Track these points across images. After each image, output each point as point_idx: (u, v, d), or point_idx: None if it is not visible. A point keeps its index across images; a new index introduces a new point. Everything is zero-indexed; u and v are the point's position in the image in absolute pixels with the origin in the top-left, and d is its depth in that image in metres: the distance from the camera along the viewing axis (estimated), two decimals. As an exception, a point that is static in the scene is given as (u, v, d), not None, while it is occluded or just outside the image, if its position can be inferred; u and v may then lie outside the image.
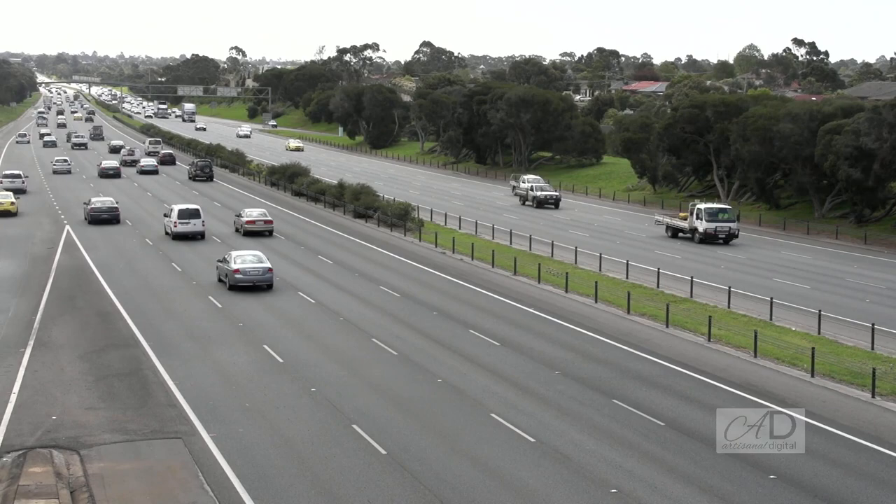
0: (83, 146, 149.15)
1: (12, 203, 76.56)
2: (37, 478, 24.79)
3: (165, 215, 67.43)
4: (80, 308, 44.60)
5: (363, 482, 24.71)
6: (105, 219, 71.34)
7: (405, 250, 61.90)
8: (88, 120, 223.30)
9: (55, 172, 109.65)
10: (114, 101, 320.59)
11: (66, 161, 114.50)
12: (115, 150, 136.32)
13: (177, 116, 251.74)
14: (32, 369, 34.63)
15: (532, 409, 30.62)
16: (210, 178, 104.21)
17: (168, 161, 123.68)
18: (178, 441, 27.63)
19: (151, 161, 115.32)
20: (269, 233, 66.14)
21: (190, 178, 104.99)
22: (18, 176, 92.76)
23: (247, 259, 48.86)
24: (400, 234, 68.06)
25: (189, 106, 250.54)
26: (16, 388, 32.41)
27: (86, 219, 72.31)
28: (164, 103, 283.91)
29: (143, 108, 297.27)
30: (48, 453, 26.60)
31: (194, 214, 64.57)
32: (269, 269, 48.59)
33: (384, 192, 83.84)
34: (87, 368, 34.83)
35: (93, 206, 72.34)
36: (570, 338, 40.22)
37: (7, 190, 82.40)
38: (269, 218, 67.47)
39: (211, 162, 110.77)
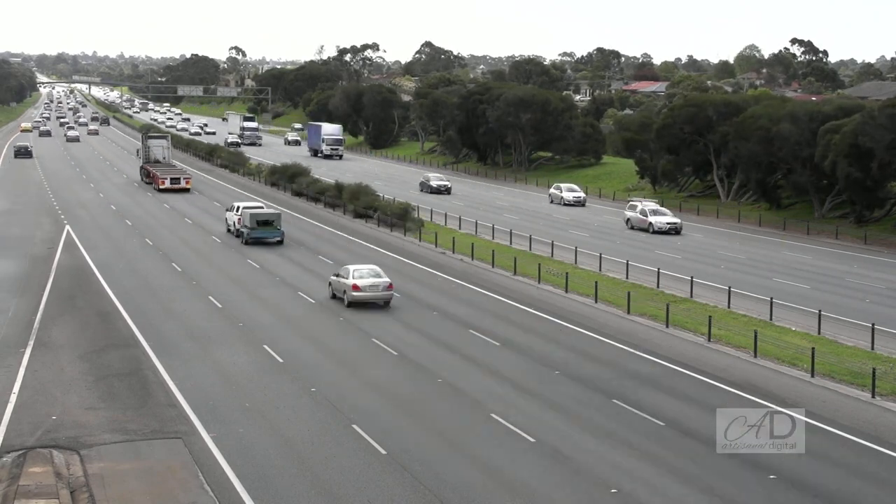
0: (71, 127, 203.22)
1: (31, 127, 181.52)
2: (37, 478, 24.79)
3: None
4: (80, 308, 44.59)
5: (363, 482, 24.71)
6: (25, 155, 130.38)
7: (405, 250, 61.90)
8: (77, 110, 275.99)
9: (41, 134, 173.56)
10: (136, 108, 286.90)
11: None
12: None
13: (290, 143, 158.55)
14: (32, 369, 34.63)
15: (532, 409, 30.63)
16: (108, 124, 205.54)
17: None
18: (178, 441, 27.63)
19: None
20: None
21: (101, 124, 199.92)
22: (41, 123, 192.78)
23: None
24: (400, 234, 68.04)
25: (331, 129, 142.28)
26: (16, 388, 32.41)
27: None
28: (251, 118, 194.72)
29: (201, 126, 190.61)
30: (48, 453, 26.61)
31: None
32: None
33: (384, 192, 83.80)
34: (87, 368, 34.83)
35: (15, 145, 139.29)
36: (570, 338, 40.22)
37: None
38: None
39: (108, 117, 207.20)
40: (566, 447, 27.33)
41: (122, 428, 28.71)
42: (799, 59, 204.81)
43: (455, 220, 73.10)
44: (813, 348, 35.50)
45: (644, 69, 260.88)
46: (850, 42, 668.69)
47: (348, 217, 76.79)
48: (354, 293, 44.16)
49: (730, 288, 47.03)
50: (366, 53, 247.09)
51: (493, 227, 69.28)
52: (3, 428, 28.74)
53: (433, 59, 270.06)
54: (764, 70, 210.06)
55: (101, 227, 70.04)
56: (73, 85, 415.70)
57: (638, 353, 37.79)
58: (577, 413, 30.41)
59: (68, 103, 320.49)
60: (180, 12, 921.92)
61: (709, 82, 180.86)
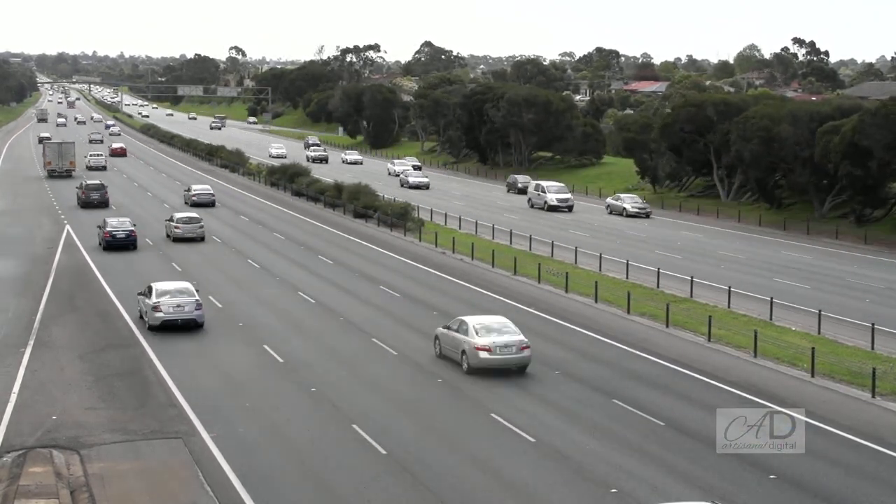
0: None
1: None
2: (37, 478, 24.80)
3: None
4: (80, 308, 44.59)
5: (363, 482, 24.71)
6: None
7: (405, 250, 61.89)
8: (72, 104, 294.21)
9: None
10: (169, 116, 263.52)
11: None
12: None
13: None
14: (32, 369, 34.64)
15: (532, 409, 30.63)
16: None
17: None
18: (178, 441, 27.64)
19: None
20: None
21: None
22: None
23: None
24: (400, 234, 68.05)
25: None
26: (16, 388, 32.42)
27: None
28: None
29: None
30: (48, 453, 26.62)
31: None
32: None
33: (384, 191, 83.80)
34: (87, 368, 34.84)
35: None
36: (570, 338, 40.22)
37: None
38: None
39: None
40: (566, 447, 27.33)
41: (122, 428, 28.72)
42: (799, 59, 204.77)
43: (455, 219, 73.11)
44: (813, 348, 35.49)
45: (644, 69, 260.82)
46: (850, 42, 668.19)
47: (348, 217, 76.78)
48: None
49: (730, 288, 47.02)
50: (366, 54, 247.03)
51: (493, 227, 69.28)
52: (3, 428, 28.75)
53: (433, 59, 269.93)
54: (764, 70, 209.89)
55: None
56: (78, 86, 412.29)
57: (638, 353, 37.78)
58: (577, 413, 30.41)
59: (66, 98, 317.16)
60: (180, 12, 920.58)
61: (708, 82, 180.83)
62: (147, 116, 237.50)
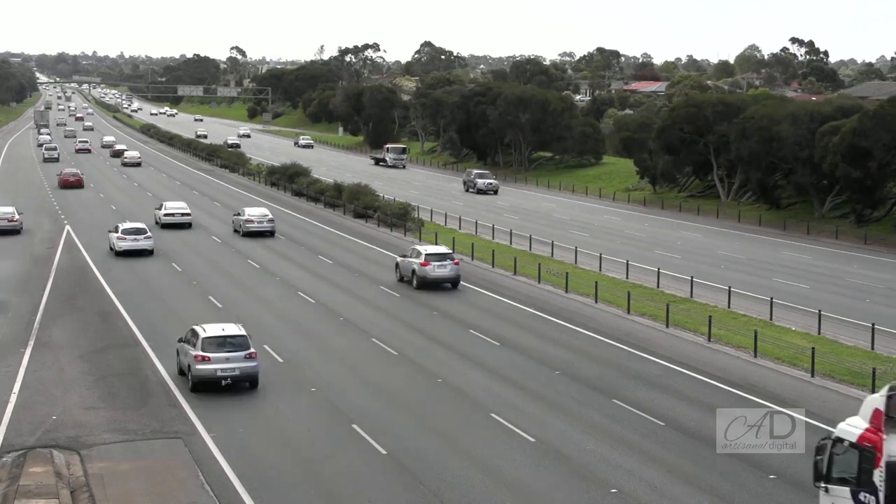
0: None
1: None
2: (37, 478, 24.79)
3: None
4: (80, 308, 44.59)
5: (363, 482, 24.72)
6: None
7: (405, 250, 61.81)
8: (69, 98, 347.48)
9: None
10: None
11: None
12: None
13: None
14: (32, 369, 34.64)
15: (532, 409, 30.63)
16: None
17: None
18: (178, 441, 27.64)
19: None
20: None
21: None
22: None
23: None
24: (400, 234, 68.04)
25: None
26: (16, 388, 32.42)
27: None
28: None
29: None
30: (48, 453, 26.61)
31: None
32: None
33: (384, 192, 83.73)
34: (87, 368, 34.83)
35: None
36: (570, 338, 40.23)
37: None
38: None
39: None
40: (566, 447, 27.33)
41: (122, 428, 28.72)
42: (799, 59, 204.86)
43: (455, 220, 73.09)
44: (813, 348, 35.50)
45: (644, 69, 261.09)
46: (850, 42, 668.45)
47: (348, 217, 76.80)
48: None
49: (730, 288, 47.02)
50: (366, 54, 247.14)
51: (493, 227, 69.27)
52: (4, 428, 28.75)
53: (433, 59, 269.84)
54: (764, 70, 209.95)
55: (101, 228, 69.89)
56: (77, 85, 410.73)
57: (638, 353, 37.78)
58: (577, 413, 30.41)
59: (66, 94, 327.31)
60: (180, 12, 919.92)
61: (708, 82, 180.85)
62: (205, 136, 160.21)
